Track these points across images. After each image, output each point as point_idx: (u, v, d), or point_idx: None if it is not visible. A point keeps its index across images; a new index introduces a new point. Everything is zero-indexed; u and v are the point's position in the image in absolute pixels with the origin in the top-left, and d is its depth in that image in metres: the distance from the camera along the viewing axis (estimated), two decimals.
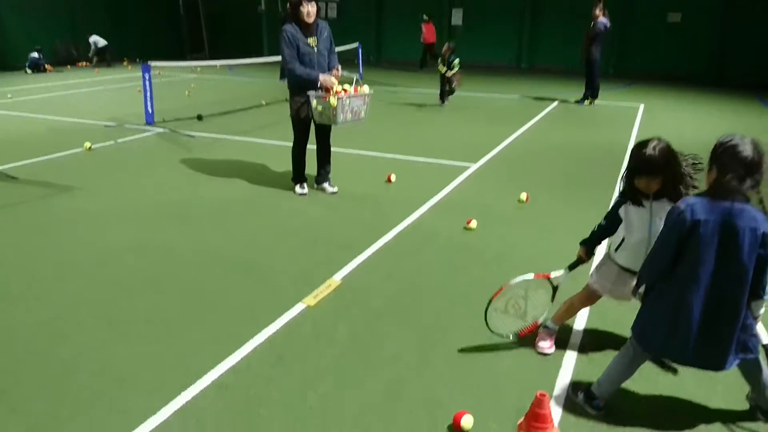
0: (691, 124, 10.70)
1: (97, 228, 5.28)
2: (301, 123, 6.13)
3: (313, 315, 3.83)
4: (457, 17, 21.87)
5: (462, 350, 3.49)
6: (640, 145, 3.02)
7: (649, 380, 3.15)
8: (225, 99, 12.80)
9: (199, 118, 10.37)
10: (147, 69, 9.71)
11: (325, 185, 6.43)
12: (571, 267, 3.48)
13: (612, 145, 8.92)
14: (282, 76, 5.85)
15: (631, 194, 3.06)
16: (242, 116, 10.91)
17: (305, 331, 3.63)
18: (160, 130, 9.38)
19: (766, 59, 17.36)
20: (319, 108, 5.77)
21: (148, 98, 9.71)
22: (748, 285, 2.59)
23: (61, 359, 3.33)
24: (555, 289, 3.50)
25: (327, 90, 5.78)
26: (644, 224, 3.08)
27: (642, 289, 2.88)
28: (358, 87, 5.94)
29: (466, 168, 7.43)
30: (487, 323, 3.46)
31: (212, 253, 4.80)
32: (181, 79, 16.53)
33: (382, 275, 4.43)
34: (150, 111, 9.75)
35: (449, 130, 9.98)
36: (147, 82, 9.65)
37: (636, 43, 19.26)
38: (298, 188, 6.35)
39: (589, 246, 3.38)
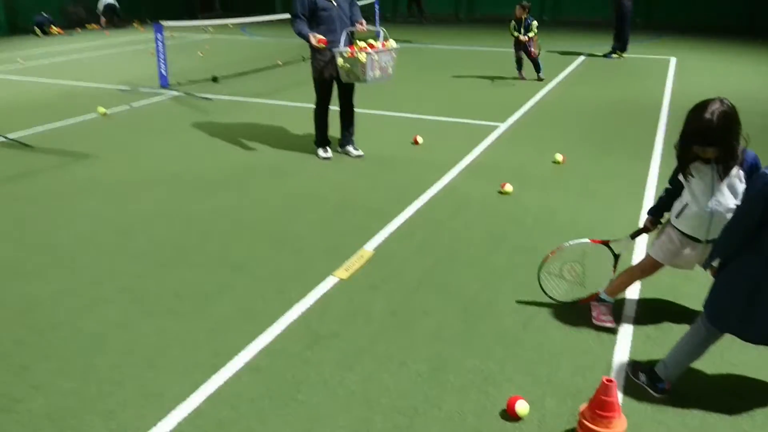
0: (728, 78, 10.15)
1: (116, 197, 5.08)
2: (324, 83, 5.83)
3: (347, 289, 3.62)
4: None
5: (509, 324, 3.26)
6: (698, 108, 2.65)
7: (717, 359, 2.89)
8: (240, 60, 12.44)
9: (215, 80, 10.06)
10: (159, 29, 9.37)
11: (350, 148, 6.15)
12: (634, 235, 3.22)
13: (646, 100, 8.49)
14: None
15: (685, 162, 2.76)
16: (259, 77, 10.58)
17: (340, 307, 3.42)
18: (176, 93, 9.09)
19: None
20: (347, 66, 5.44)
21: (162, 60, 9.39)
22: None
23: (86, 335, 3.17)
24: (617, 257, 3.25)
25: (351, 46, 5.46)
26: (707, 191, 2.78)
27: (716, 263, 2.61)
28: (386, 42, 5.59)
29: (495, 128, 7.09)
30: (540, 285, 3.35)
31: (235, 221, 4.59)
32: (193, 40, 16.11)
33: (417, 244, 4.19)
34: (164, 73, 9.45)
35: (472, 88, 9.56)
36: (160, 44, 9.32)
37: None
38: (321, 152, 6.08)
39: (656, 214, 3.11)
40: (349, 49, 5.45)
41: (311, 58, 5.79)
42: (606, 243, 3.31)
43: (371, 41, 5.57)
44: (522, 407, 2.56)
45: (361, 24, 5.66)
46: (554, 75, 10.42)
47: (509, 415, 2.58)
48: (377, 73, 5.56)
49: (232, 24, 15.65)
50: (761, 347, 2.87)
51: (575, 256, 3.34)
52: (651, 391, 2.72)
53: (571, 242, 3.32)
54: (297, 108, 7.97)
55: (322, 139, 6.10)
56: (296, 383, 2.79)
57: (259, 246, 4.20)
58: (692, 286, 3.51)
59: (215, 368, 2.88)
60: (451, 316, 3.33)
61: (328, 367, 2.91)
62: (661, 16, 18.45)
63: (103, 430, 2.52)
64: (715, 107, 2.59)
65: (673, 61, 11.84)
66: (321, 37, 5.42)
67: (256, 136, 6.77)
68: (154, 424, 2.53)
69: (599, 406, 2.37)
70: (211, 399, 2.69)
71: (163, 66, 9.42)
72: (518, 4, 9.91)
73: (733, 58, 12.42)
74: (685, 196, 2.89)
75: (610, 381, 2.36)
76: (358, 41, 5.58)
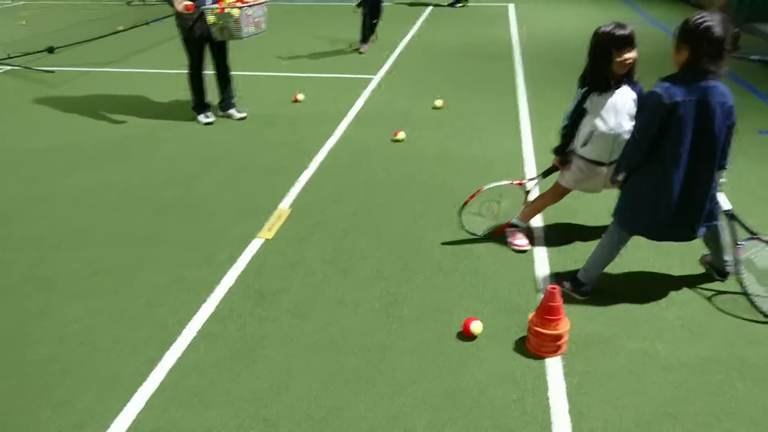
0: (564, 20, 11.09)
1: None
2: (195, 44, 5.53)
3: (276, 247, 3.61)
4: None
5: (441, 256, 3.48)
6: (609, 26, 3.04)
7: (619, 260, 3.28)
8: (71, 26, 11.22)
9: (50, 50, 9.03)
10: None
11: (232, 111, 5.94)
12: (545, 174, 3.53)
13: (499, 43, 9.08)
14: None
15: (605, 79, 3.09)
16: (102, 45, 9.65)
17: (276, 264, 3.42)
18: (8, 67, 8.06)
19: None
20: (220, 23, 5.20)
21: None
22: (719, 157, 2.78)
23: (2, 331, 2.87)
24: (527, 193, 3.57)
25: (219, 2, 5.22)
26: (610, 112, 3.14)
27: (621, 176, 2.98)
28: None
29: (370, 80, 7.21)
30: (462, 224, 3.61)
31: (129, 194, 4.31)
32: (5, 6, 14.21)
33: (330, 195, 4.25)
34: None
35: (336, 43, 9.55)
36: None
37: None
38: (202, 117, 5.81)
39: (562, 152, 3.38)
40: (217, 6, 5.21)
41: (176, 19, 5.46)
42: (521, 183, 3.61)
43: None
44: (476, 326, 2.80)
45: None
46: (409, 26, 10.70)
47: (466, 335, 2.80)
48: (251, 28, 5.40)
49: None
50: (652, 245, 3.36)
51: (493, 195, 3.61)
52: (576, 295, 3.09)
53: (490, 185, 3.58)
54: (156, 74, 7.46)
55: (200, 103, 5.83)
56: (258, 340, 2.79)
57: (165, 216, 4.00)
58: (581, 204, 3.97)
59: (167, 341, 2.79)
60: (386, 257, 3.48)
61: (284, 321, 2.93)
62: None
63: (64, 422, 2.36)
64: (616, 22, 3.04)
65: (511, 7, 12.65)
66: (188, 2, 5.09)
67: (122, 107, 6.27)
68: (122, 407, 2.42)
69: (547, 312, 2.66)
70: (173, 372, 2.62)
71: None
72: None
73: (562, 3, 13.53)
74: (587, 126, 3.21)
75: (554, 288, 2.65)
76: None
